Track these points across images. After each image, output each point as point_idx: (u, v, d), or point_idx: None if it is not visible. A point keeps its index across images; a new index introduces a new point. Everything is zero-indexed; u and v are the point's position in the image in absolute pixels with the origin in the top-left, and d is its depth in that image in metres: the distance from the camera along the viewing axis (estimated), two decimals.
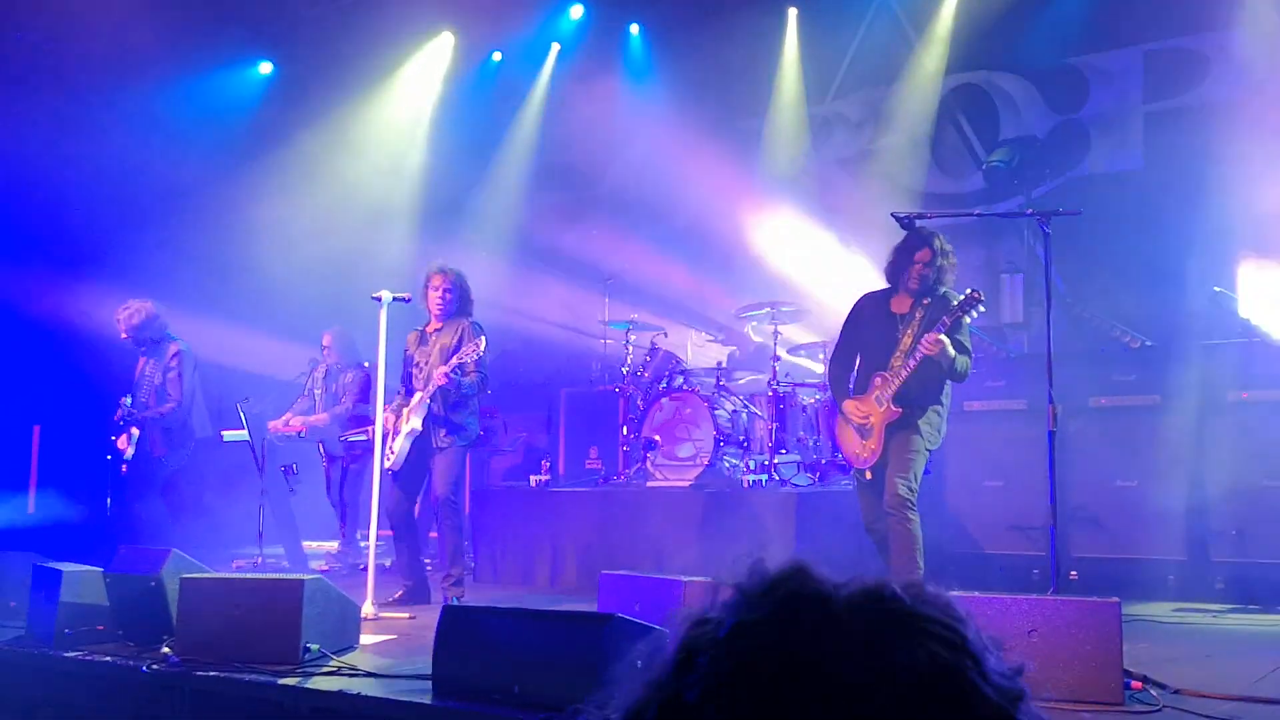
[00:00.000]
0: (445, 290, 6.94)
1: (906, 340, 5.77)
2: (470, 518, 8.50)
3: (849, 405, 5.93)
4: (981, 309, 5.62)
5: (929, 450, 5.80)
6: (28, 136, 9.36)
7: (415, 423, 6.79)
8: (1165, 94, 8.64)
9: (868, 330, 6.01)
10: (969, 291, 5.61)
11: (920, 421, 5.74)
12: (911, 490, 5.65)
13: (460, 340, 6.85)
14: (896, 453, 5.73)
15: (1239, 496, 6.49)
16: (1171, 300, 7.89)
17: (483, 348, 6.64)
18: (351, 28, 10.77)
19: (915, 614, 0.85)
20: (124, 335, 8.07)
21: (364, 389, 8.91)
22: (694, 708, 0.84)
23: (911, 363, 5.63)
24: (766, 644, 0.84)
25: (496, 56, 11.77)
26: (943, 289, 5.87)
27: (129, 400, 7.90)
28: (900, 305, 5.92)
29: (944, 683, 0.82)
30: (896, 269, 5.91)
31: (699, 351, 9.48)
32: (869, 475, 5.87)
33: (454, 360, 6.67)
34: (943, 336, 5.54)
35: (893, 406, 5.72)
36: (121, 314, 8.06)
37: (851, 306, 6.23)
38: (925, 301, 5.83)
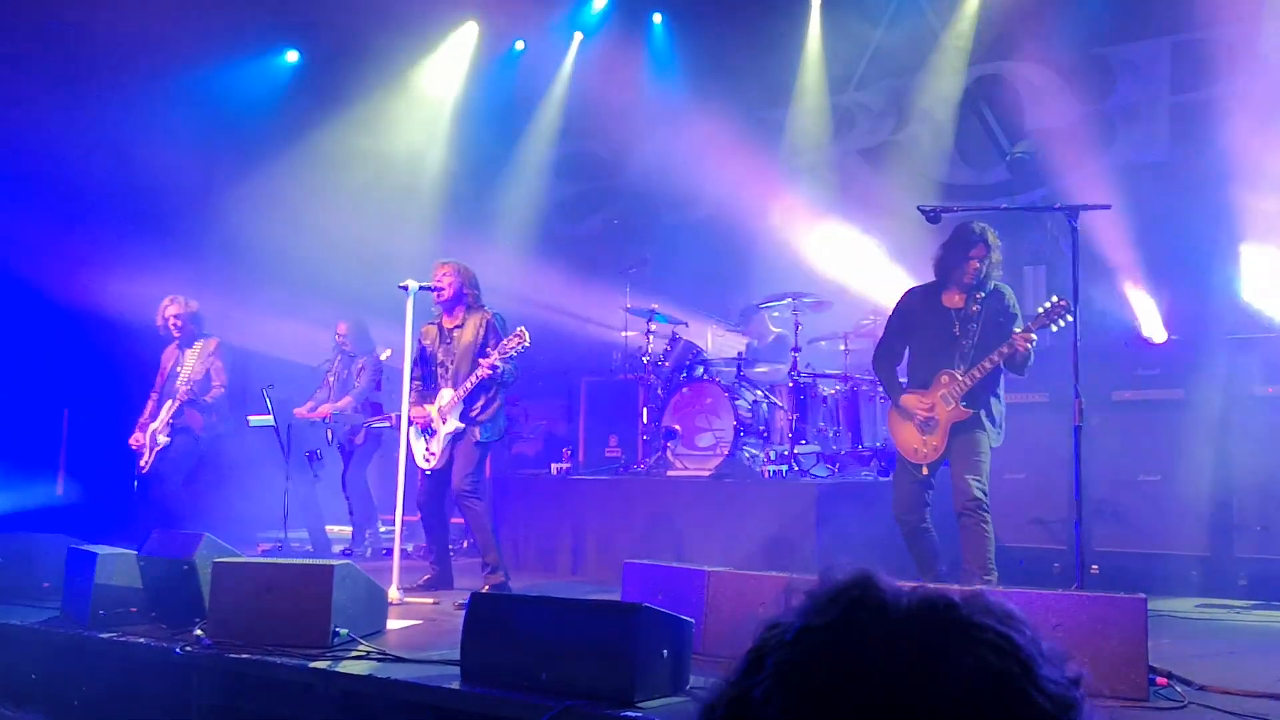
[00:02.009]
0: (441, 277, 6.96)
1: (969, 337, 5.79)
2: (492, 505, 8.55)
3: (909, 399, 5.91)
4: (1070, 317, 5.57)
5: (992, 448, 5.82)
6: (57, 125, 9.43)
7: (454, 423, 6.85)
8: (1192, 85, 8.59)
9: (921, 326, 6.01)
10: (1055, 299, 5.62)
11: (985, 421, 5.78)
12: (985, 492, 5.67)
13: (485, 335, 6.89)
14: (964, 453, 5.73)
15: (1263, 492, 6.48)
16: (1197, 294, 7.87)
17: (527, 340, 6.67)
18: (377, 17, 10.80)
19: (970, 622, 0.89)
20: (175, 326, 8.20)
21: (376, 375, 9.00)
22: (759, 704, 0.89)
23: (987, 364, 5.65)
24: (827, 648, 0.89)
25: (519, 45, 11.79)
26: (992, 283, 5.89)
27: (189, 386, 8.06)
28: (952, 300, 5.93)
29: (994, 689, 0.85)
30: (949, 265, 5.90)
31: (719, 341, 9.50)
32: (925, 471, 5.85)
33: (494, 356, 6.68)
34: (1033, 336, 5.62)
35: (962, 407, 5.74)
36: (172, 306, 8.21)
37: (898, 302, 6.21)
38: (979, 295, 5.85)
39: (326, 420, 8.82)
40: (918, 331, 6.04)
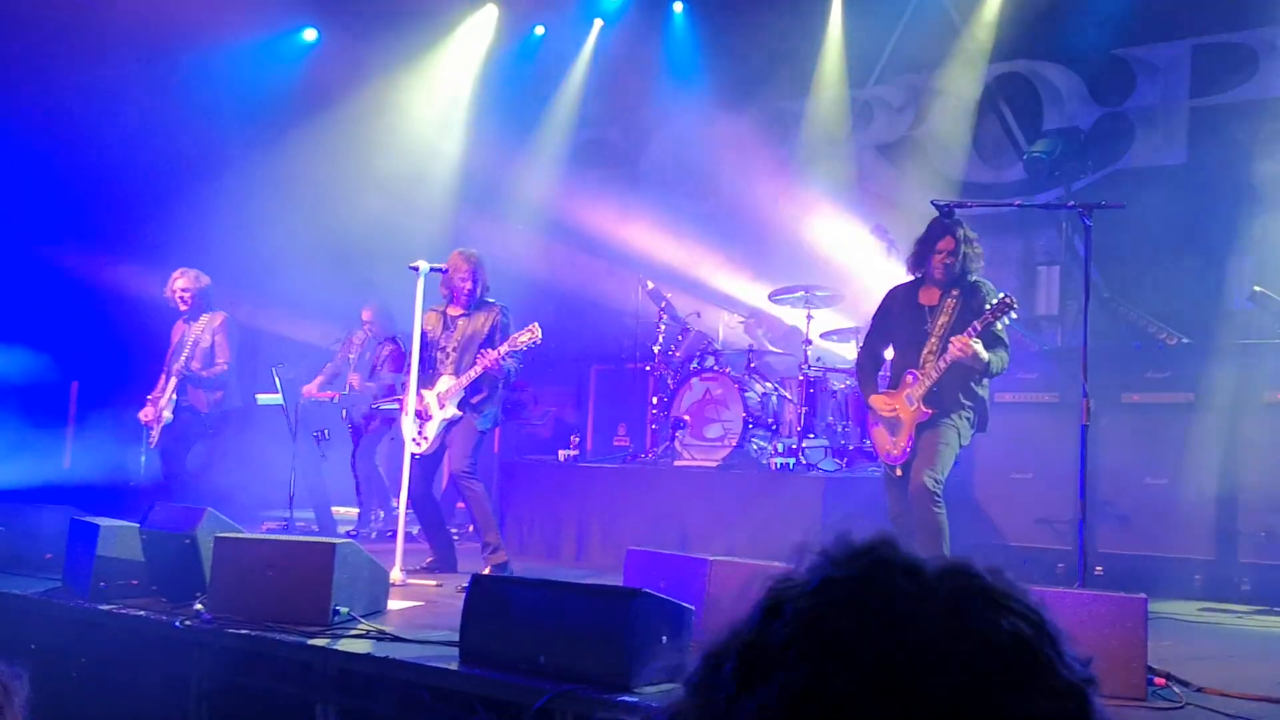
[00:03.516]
0: (464, 278, 6.94)
1: (936, 334, 5.72)
2: (498, 490, 8.59)
3: (877, 400, 5.91)
4: (1014, 315, 5.52)
5: (962, 445, 5.77)
6: (71, 101, 9.45)
7: (451, 410, 6.86)
8: (1212, 89, 8.53)
9: (898, 324, 5.96)
10: (1002, 296, 5.52)
11: (954, 416, 5.70)
12: (937, 483, 5.60)
13: (493, 329, 6.90)
14: (925, 448, 5.69)
15: (1269, 498, 6.45)
16: (1209, 298, 7.83)
17: (539, 335, 6.67)
18: None
19: (999, 590, 0.88)
20: (182, 299, 8.21)
21: (397, 361, 9.03)
22: (776, 650, 0.87)
23: (942, 364, 5.57)
24: (854, 598, 0.87)
25: (539, 30, 11.77)
26: (972, 277, 5.81)
27: (183, 363, 8.10)
28: (928, 297, 5.87)
29: (1023, 655, 0.84)
30: (919, 260, 5.85)
31: (731, 333, 9.48)
32: (899, 472, 5.83)
33: (505, 347, 6.71)
34: (973, 341, 5.46)
35: (924, 407, 5.67)
36: (181, 279, 8.23)
37: (880, 301, 6.20)
38: (954, 291, 5.77)
39: (334, 400, 8.86)
40: (895, 330, 5.99)
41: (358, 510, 9.14)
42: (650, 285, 9.02)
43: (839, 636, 0.85)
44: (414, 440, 6.92)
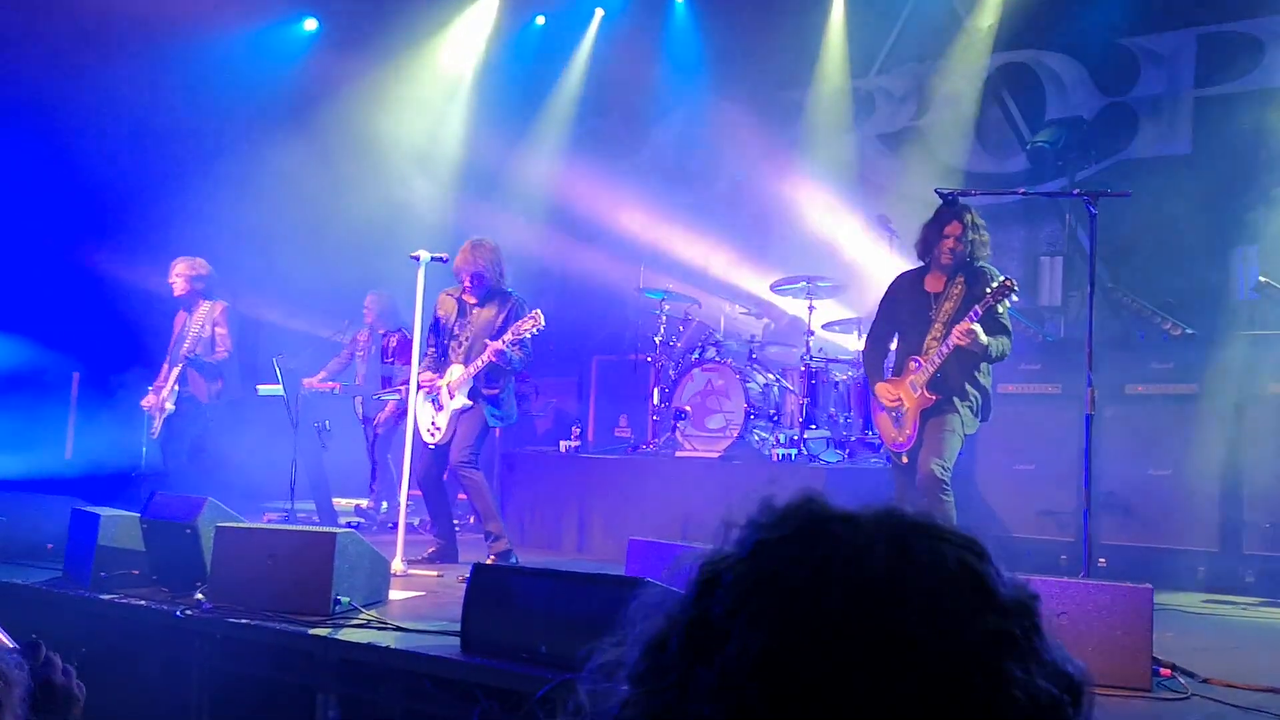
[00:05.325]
0: (474, 269, 6.89)
1: (941, 320, 5.70)
2: (500, 481, 8.57)
3: (881, 388, 5.89)
4: (1014, 298, 5.52)
5: (966, 433, 5.75)
6: (72, 93, 9.42)
7: (461, 400, 6.85)
8: (1217, 78, 8.49)
9: (903, 310, 5.95)
10: (1003, 280, 5.51)
11: (957, 403, 5.68)
12: (945, 470, 5.60)
13: (507, 316, 6.87)
14: (931, 434, 5.68)
15: (1273, 489, 6.43)
16: (1214, 289, 7.80)
17: (542, 323, 6.64)
18: None
19: (936, 525, 0.91)
20: (184, 288, 8.19)
21: (405, 350, 9.03)
22: (721, 620, 0.87)
23: (945, 349, 5.56)
24: (793, 553, 0.88)
25: (540, 20, 11.73)
26: (978, 263, 5.79)
27: (185, 351, 8.09)
28: (934, 284, 5.86)
29: (965, 579, 0.87)
30: (928, 245, 5.83)
31: (732, 323, 9.46)
32: (905, 460, 5.82)
33: (508, 336, 6.68)
34: (975, 326, 5.46)
35: (927, 393, 5.66)
36: (181, 265, 8.20)
37: (887, 287, 6.18)
38: (960, 278, 5.76)
39: (335, 391, 8.86)
40: (901, 317, 5.96)
41: (367, 501, 9.13)
42: (669, 286, 8.95)
43: (782, 593, 0.85)
44: (428, 430, 6.92)
